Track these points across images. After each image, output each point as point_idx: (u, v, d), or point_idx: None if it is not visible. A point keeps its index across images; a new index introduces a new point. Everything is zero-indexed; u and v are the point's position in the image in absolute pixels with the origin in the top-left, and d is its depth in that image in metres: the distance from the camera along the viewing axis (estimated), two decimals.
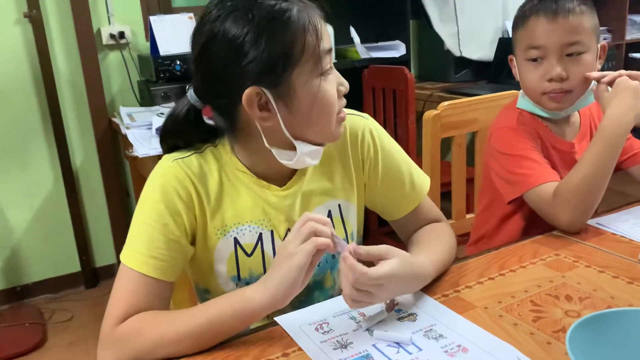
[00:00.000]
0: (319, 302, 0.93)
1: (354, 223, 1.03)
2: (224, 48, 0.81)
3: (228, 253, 0.93)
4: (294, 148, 0.88)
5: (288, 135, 0.86)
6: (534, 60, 1.20)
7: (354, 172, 1.01)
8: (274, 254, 0.94)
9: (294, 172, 0.96)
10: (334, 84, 0.87)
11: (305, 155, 0.89)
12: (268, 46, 0.80)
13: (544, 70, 1.19)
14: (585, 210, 1.10)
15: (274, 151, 0.88)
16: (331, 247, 0.79)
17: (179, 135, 0.92)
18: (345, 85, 0.90)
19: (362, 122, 1.02)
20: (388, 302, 0.87)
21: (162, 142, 0.94)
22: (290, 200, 0.95)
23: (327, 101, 0.86)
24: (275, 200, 0.94)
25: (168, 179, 0.88)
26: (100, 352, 0.82)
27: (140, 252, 0.84)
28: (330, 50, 0.86)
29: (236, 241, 0.93)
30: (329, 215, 0.99)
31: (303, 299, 0.96)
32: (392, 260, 0.82)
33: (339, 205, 1.00)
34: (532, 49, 1.19)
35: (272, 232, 0.94)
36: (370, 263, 0.82)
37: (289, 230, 0.95)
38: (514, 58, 1.28)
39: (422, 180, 1.06)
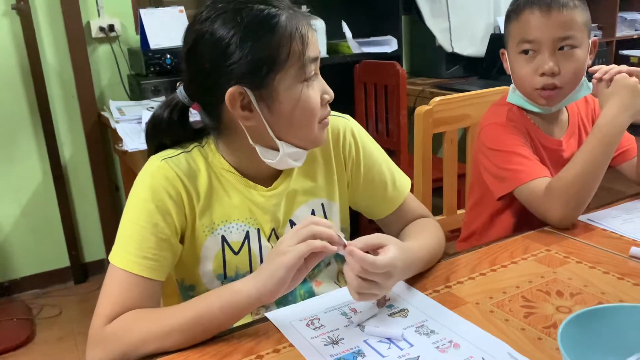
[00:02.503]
0: (300, 295, 0.93)
1: (337, 222, 1.03)
2: (210, 48, 0.83)
3: (215, 251, 0.93)
4: (277, 148, 0.89)
5: (272, 135, 0.87)
6: (526, 53, 1.20)
7: (336, 171, 1.02)
8: (261, 252, 0.95)
9: (279, 172, 0.96)
10: (318, 91, 0.88)
11: (288, 157, 0.89)
12: (253, 49, 0.82)
13: (537, 65, 1.18)
14: (577, 206, 1.11)
15: (258, 149, 0.89)
16: (329, 249, 0.78)
17: (165, 133, 0.92)
18: (330, 94, 0.90)
19: (343, 123, 1.03)
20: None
21: (148, 140, 0.95)
22: (276, 200, 0.95)
23: (308, 107, 0.86)
24: (261, 200, 0.94)
25: (157, 178, 0.88)
26: (89, 351, 0.81)
27: (131, 253, 0.84)
28: (316, 58, 0.87)
29: (224, 239, 0.93)
30: (312, 214, 0.99)
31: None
32: (390, 247, 0.82)
33: (322, 205, 1.00)
34: (525, 43, 1.19)
35: (258, 230, 0.95)
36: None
37: (274, 230, 0.96)
38: (505, 52, 1.28)
39: (403, 181, 1.07)
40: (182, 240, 0.91)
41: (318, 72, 0.89)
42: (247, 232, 0.94)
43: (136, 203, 0.87)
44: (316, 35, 0.88)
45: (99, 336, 0.80)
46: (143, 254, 0.84)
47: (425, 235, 0.99)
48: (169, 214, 0.87)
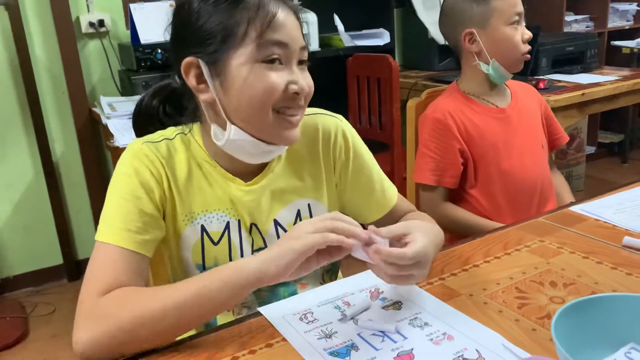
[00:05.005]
0: (284, 297, 0.92)
1: None
2: (178, 19, 0.88)
3: (194, 240, 0.92)
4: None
5: (223, 114, 0.86)
6: (515, 25, 1.36)
7: (324, 172, 1.00)
8: (241, 243, 0.94)
9: (260, 169, 0.95)
10: (281, 77, 0.83)
11: (238, 143, 0.87)
12: (210, 20, 0.83)
13: (521, 33, 1.36)
14: None
15: (213, 128, 0.88)
16: (345, 243, 0.75)
17: (150, 118, 0.95)
18: (299, 86, 0.84)
19: (334, 123, 1.01)
20: (372, 290, 0.87)
21: (134, 124, 0.97)
22: (253, 196, 0.93)
23: (259, 89, 0.82)
24: (238, 195, 0.93)
25: (139, 156, 0.88)
26: (77, 330, 0.76)
27: (116, 227, 0.84)
28: (281, 43, 0.83)
29: (203, 229, 0.92)
30: (298, 214, 0.97)
31: (268, 294, 0.96)
32: (416, 235, 0.79)
33: (309, 205, 0.99)
34: (517, 15, 1.35)
35: (239, 221, 0.94)
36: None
37: (253, 225, 0.94)
38: (474, 31, 1.37)
39: (392, 190, 1.06)
40: (164, 218, 0.91)
41: (292, 60, 0.85)
42: (228, 223, 0.93)
43: (119, 179, 0.88)
44: (294, 23, 0.85)
45: (91, 311, 0.76)
46: (128, 227, 0.83)
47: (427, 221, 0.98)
48: (151, 190, 0.87)
